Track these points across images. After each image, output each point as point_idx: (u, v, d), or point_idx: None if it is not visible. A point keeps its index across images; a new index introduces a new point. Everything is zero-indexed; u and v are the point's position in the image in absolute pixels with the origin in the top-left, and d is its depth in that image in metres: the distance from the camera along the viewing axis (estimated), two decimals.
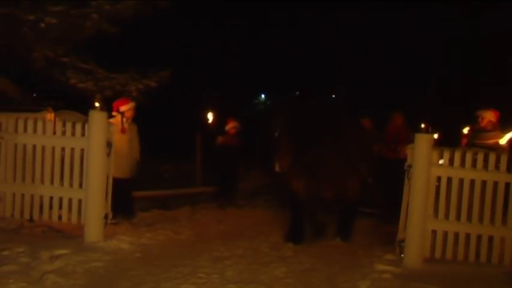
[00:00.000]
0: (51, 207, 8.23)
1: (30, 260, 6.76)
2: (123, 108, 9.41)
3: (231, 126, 12.81)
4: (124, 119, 9.37)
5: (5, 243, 7.34)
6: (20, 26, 10.24)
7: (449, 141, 10.58)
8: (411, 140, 10.89)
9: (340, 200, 9.38)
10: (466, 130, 10.88)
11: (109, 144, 7.94)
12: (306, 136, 8.64)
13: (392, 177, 10.34)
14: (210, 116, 13.37)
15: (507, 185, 7.68)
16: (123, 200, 9.25)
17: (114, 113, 9.24)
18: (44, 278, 6.20)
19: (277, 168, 8.50)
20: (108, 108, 8.79)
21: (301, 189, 8.95)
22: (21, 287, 5.89)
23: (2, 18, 9.87)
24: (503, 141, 9.28)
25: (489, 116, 9.47)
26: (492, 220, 7.72)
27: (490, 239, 7.76)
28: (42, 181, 8.24)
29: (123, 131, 9.26)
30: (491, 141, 9.09)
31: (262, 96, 28.37)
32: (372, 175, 9.63)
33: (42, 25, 9.95)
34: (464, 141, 10.30)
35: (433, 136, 8.02)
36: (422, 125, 8.21)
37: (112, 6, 10.38)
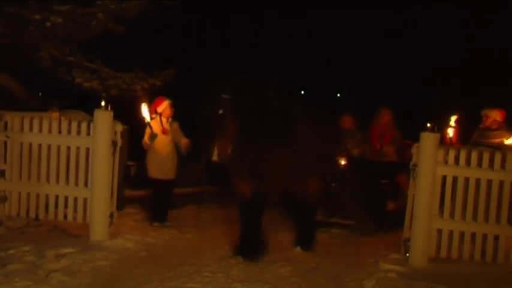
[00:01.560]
0: (56, 206, 8.25)
1: (36, 258, 6.79)
2: (159, 109, 9.25)
3: None
4: (163, 120, 9.24)
5: (11, 242, 7.38)
6: (26, 26, 10.27)
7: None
8: (398, 141, 10.41)
9: (296, 203, 8.48)
10: (452, 121, 10.43)
11: (114, 143, 7.95)
12: (255, 125, 7.00)
13: (374, 182, 9.84)
14: None
15: None
16: (162, 202, 9.31)
17: (153, 115, 9.14)
18: (50, 277, 6.23)
19: (214, 157, 6.72)
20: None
21: (247, 191, 7.59)
22: (27, 285, 5.91)
23: (9, 18, 9.90)
24: (509, 141, 9.21)
25: (494, 115, 9.44)
26: (498, 219, 7.71)
27: (496, 238, 7.74)
28: (47, 180, 8.26)
29: (164, 132, 9.15)
30: (496, 140, 9.07)
31: None
32: (336, 178, 8.81)
33: (48, 24, 9.99)
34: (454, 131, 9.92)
35: (438, 135, 8.01)
36: (429, 124, 8.18)
37: (117, 5, 10.41)
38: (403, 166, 9.97)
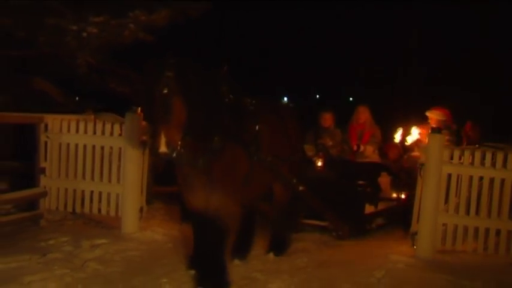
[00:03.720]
0: (91, 200, 8.33)
1: (73, 248, 6.89)
2: None
3: None
4: None
5: (50, 233, 7.48)
6: (65, 36, 10.36)
7: None
8: (378, 140, 9.45)
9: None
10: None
11: (143, 143, 7.98)
12: (205, 114, 5.44)
13: (350, 184, 8.66)
14: None
15: None
16: None
17: None
18: (85, 265, 6.30)
19: (162, 148, 5.02)
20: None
21: (200, 203, 5.85)
22: (64, 273, 5.99)
23: (49, 29, 10.00)
24: (407, 142, 8.89)
25: (437, 116, 8.85)
26: (499, 214, 7.68)
27: (498, 232, 7.72)
28: (83, 177, 8.34)
29: None
30: None
31: (285, 99, 28.21)
32: (304, 181, 7.09)
33: (85, 34, 10.07)
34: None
35: (444, 136, 7.97)
36: (434, 125, 8.11)
37: (147, 16, 10.44)
38: (386, 167, 9.51)
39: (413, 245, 7.86)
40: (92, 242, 7.15)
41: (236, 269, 6.52)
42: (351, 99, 24.30)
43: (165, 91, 5.08)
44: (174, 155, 5.15)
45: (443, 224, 7.83)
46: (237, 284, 6.06)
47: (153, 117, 5.17)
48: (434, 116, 8.82)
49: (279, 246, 7.32)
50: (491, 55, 18.90)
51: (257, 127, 6.30)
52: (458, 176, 7.78)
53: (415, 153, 8.55)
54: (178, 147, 5.15)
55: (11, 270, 6.02)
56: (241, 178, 6.06)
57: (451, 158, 7.76)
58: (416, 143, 9.14)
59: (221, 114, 5.74)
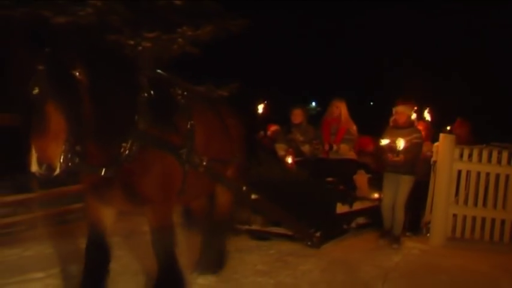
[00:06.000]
0: None
1: (130, 232, 6.99)
2: None
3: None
4: None
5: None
6: (123, 50, 10.53)
7: None
8: (354, 136, 7.89)
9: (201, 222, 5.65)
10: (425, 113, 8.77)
11: None
12: (106, 115, 3.77)
13: (319, 183, 7.19)
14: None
15: None
16: None
17: None
18: (140, 247, 6.40)
19: (34, 167, 3.33)
20: None
21: (101, 211, 4.39)
22: (124, 253, 6.14)
23: (110, 44, 10.20)
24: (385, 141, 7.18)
25: (408, 112, 7.25)
26: (504, 206, 7.61)
27: (502, 222, 7.66)
28: None
29: None
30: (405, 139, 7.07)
31: (313, 103, 27.94)
32: (257, 187, 5.55)
33: (140, 48, 10.21)
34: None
35: (454, 136, 7.89)
36: (448, 127, 7.97)
37: (193, 32, 10.54)
38: (363, 164, 8.20)
39: (426, 233, 7.84)
40: (145, 227, 7.24)
41: (268, 253, 6.57)
42: (371, 103, 24.04)
43: (36, 91, 3.37)
44: (56, 173, 3.42)
45: (454, 215, 7.78)
46: (272, 266, 6.09)
47: (25, 127, 3.43)
48: (407, 111, 7.20)
49: (218, 261, 5.52)
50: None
51: (189, 124, 4.56)
52: (467, 171, 7.73)
53: (389, 155, 7.11)
54: (63, 163, 3.42)
55: (81, 251, 6.17)
56: (175, 189, 4.49)
57: (461, 156, 7.70)
58: (390, 144, 7.18)
59: (134, 112, 4.05)
